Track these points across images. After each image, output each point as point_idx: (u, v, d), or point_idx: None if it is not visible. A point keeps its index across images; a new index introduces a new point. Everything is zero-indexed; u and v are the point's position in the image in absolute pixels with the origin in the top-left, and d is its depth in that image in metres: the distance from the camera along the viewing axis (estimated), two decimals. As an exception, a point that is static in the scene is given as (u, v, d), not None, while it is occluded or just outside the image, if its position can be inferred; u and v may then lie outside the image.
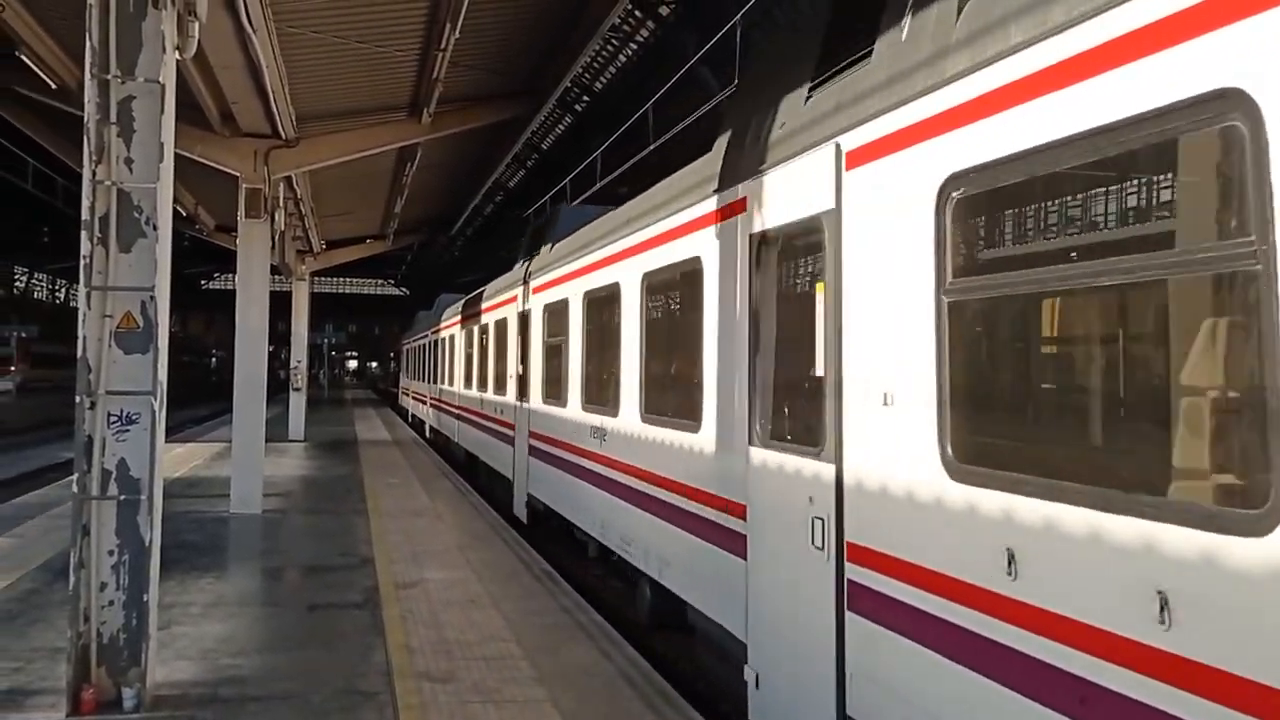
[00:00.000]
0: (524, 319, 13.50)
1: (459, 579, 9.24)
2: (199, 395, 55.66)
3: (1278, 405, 2.66)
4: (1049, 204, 3.75)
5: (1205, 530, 2.83)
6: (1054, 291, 3.63)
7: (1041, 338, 3.96)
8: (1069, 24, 3.40)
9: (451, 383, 22.74)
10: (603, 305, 9.62)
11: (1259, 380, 2.73)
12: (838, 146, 4.92)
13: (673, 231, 7.41)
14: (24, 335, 47.44)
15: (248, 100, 12.01)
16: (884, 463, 4.41)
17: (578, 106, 40.17)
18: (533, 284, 13.02)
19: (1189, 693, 2.84)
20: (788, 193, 5.46)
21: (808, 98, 5.41)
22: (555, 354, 11.42)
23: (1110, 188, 3.46)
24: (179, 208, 19.15)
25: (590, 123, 38.03)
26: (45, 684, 6.03)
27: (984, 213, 4.06)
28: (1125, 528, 3.09)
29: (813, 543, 4.96)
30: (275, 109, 12.29)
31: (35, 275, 70.33)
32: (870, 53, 4.80)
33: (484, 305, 17.72)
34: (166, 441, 6.22)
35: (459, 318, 21.78)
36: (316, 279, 34.86)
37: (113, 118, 5.79)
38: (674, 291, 7.70)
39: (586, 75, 37.41)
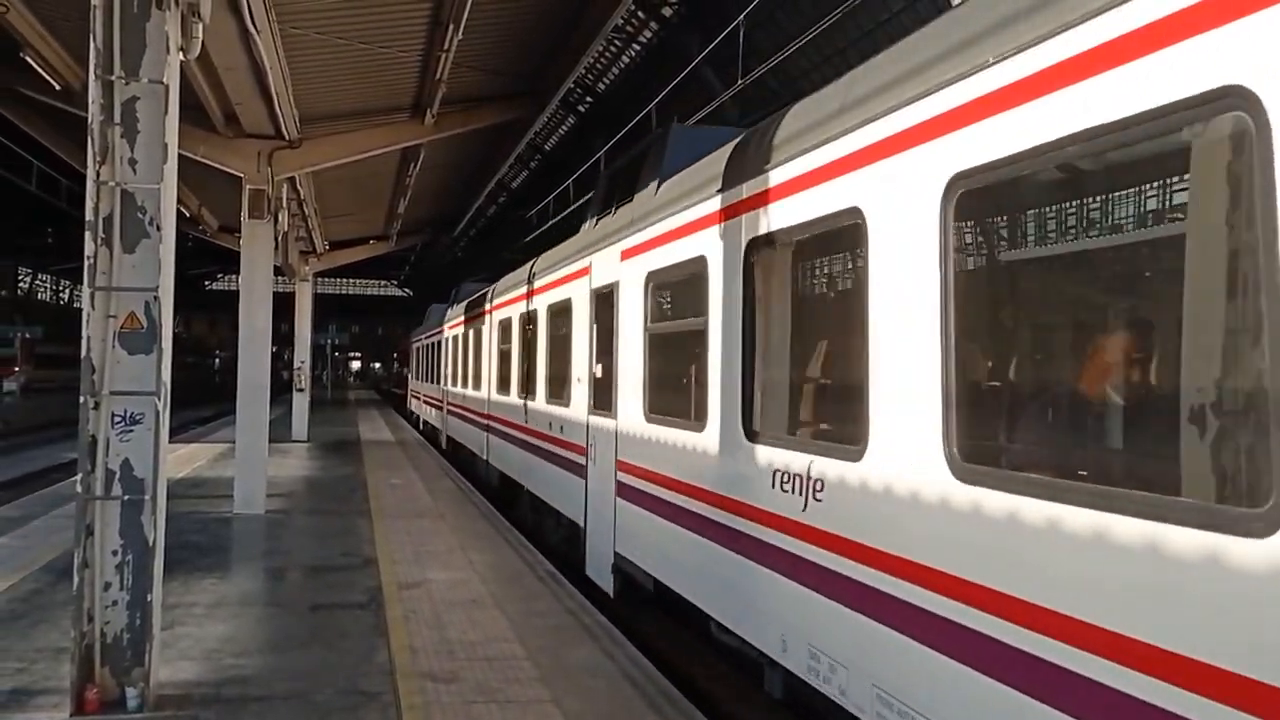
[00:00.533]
0: (603, 298, 9.64)
1: (462, 579, 9.25)
2: (202, 396, 55.72)
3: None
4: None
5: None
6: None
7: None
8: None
9: (478, 386, 18.62)
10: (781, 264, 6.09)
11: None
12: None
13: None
14: (28, 336, 47.51)
15: (251, 101, 12.02)
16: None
17: (581, 107, 40.24)
18: (621, 245, 9.01)
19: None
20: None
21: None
22: (675, 349, 7.87)
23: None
24: (182, 208, 19.16)
25: (593, 123, 38.09)
26: (49, 684, 6.04)
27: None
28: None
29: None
30: (279, 110, 12.31)
31: (39, 276, 70.48)
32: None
33: (532, 287, 13.49)
34: (170, 442, 6.22)
35: (487, 306, 17.52)
36: (320, 280, 34.87)
37: (117, 119, 5.79)
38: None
39: (589, 76, 37.49)
